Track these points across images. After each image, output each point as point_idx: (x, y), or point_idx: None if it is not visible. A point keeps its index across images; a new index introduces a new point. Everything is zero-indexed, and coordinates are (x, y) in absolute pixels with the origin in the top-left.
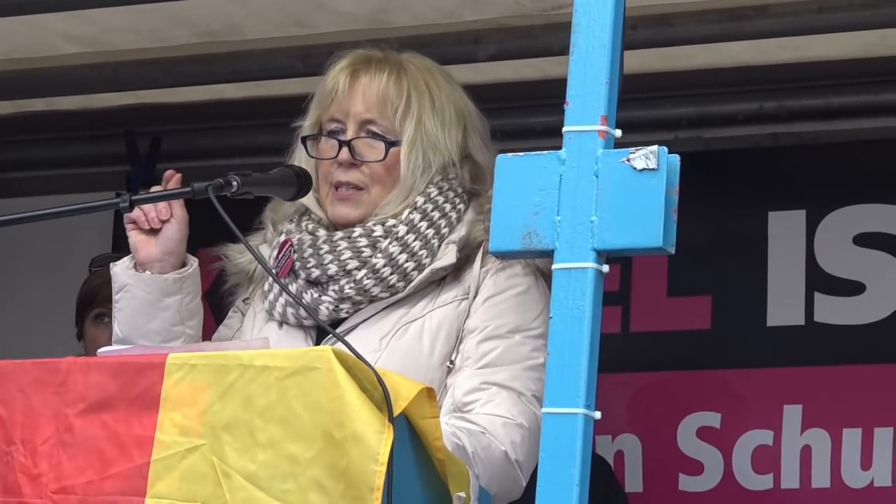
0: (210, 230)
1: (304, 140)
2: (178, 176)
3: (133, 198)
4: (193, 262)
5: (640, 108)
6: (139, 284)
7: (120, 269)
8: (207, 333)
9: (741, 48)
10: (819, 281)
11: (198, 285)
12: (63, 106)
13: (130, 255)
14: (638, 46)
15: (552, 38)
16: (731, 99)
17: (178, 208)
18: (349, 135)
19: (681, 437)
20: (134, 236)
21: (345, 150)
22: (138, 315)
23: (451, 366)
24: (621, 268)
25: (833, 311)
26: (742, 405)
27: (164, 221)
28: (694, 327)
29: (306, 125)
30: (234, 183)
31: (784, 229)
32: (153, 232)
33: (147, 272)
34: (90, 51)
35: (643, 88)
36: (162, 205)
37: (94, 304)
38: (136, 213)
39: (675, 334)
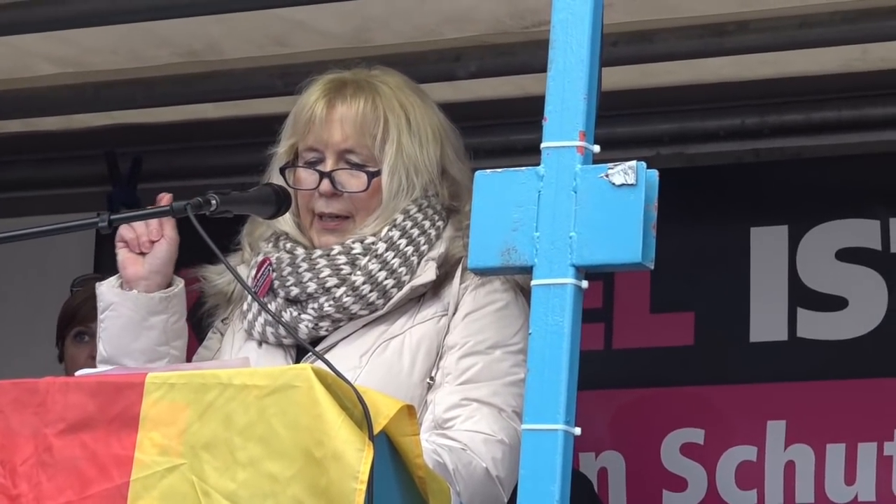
0: (191, 250)
1: (282, 170)
2: (170, 196)
3: (112, 217)
4: (180, 283)
5: (621, 125)
6: (125, 303)
7: (106, 288)
8: (189, 354)
9: (722, 64)
10: (801, 296)
11: (183, 306)
12: (43, 126)
13: (117, 275)
14: (619, 63)
15: (533, 55)
16: (712, 115)
17: (170, 229)
18: (328, 166)
19: (664, 454)
20: (122, 254)
21: (325, 181)
22: (123, 334)
23: (432, 382)
24: (603, 284)
25: (816, 326)
26: (725, 421)
27: (153, 242)
28: (677, 343)
29: (281, 152)
30: (213, 202)
31: (766, 245)
32: (142, 252)
33: (133, 291)
34: (70, 71)
35: (625, 105)
36: (154, 225)
37: (74, 322)
38: (129, 234)
39: (658, 350)
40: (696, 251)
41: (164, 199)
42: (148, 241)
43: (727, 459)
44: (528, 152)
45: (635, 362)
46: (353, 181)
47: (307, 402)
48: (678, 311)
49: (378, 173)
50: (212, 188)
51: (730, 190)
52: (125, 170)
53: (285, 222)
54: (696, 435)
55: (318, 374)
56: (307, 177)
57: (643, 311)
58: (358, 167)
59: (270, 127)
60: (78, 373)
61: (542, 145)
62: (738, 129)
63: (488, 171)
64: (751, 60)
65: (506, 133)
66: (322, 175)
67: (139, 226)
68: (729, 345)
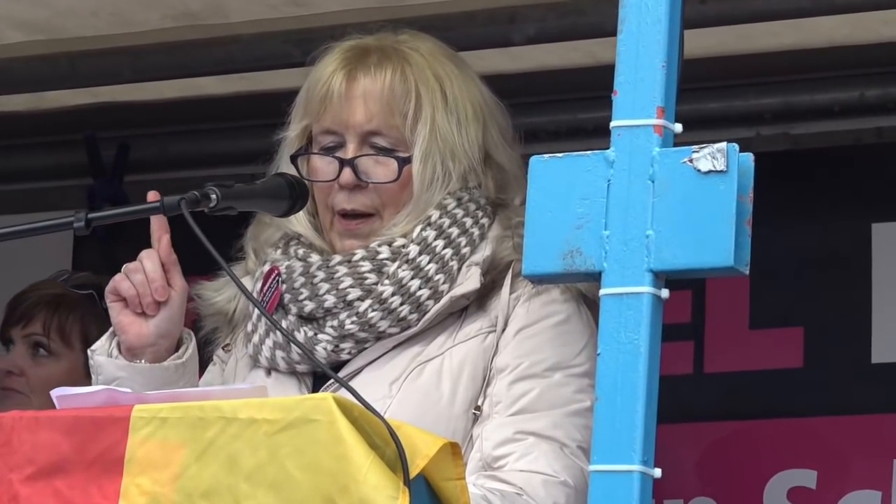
0: (184, 258)
1: (293, 158)
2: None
3: (90, 216)
4: (190, 339)
5: (713, 100)
6: (135, 377)
7: (105, 360)
8: None
9: (836, 24)
10: None
11: (196, 363)
12: (8, 106)
13: (109, 336)
14: (710, 24)
15: (605, 14)
16: (824, 86)
17: (178, 278)
18: (350, 151)
19: (768, 501)
20: (119, 313)
21: (347, 170)
22: None
23: (478, 413)
24: (692, 294)
25: None
26: (842, 460)
27: (160, 303)
28: (783, 366)
29: (292, 136)
30: (213, 196)
31: (892, 244)
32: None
33: (141, 361)
34: (41, 39)
35: (717, 75)
36: (158, 282)
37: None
38: (129, 291)
39: (759, 374)
40: (805, 254)
41: (153, 196)
42: (153, 301)
43: None
44: (600, 133)
45: (732, 389)
46: (381, 170)
47: (329, 440)
48: (784, 327)
49: (410, 160)
50: (213, 180)
51: (846, 177)
52: (109, 158)
53: (298, 222)
54: (807, 477)
55: (342, 406)
56: (325, 166)
57: (741, 326)
58: (386, 152)
59: (284, 105)
60: (53, 392)
61: (612, 124)
62: (855, 103)
63: (546, 156)
64: (871, 19)
65: (573, 110)
66: (343, 163)
67: (140, 283)
68: (847, 367)
